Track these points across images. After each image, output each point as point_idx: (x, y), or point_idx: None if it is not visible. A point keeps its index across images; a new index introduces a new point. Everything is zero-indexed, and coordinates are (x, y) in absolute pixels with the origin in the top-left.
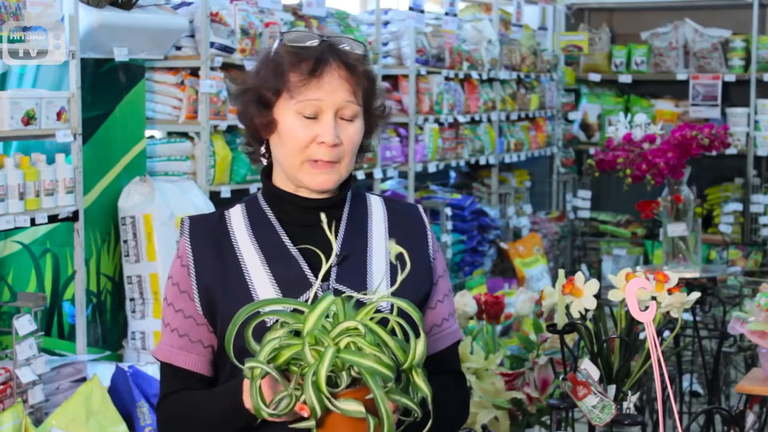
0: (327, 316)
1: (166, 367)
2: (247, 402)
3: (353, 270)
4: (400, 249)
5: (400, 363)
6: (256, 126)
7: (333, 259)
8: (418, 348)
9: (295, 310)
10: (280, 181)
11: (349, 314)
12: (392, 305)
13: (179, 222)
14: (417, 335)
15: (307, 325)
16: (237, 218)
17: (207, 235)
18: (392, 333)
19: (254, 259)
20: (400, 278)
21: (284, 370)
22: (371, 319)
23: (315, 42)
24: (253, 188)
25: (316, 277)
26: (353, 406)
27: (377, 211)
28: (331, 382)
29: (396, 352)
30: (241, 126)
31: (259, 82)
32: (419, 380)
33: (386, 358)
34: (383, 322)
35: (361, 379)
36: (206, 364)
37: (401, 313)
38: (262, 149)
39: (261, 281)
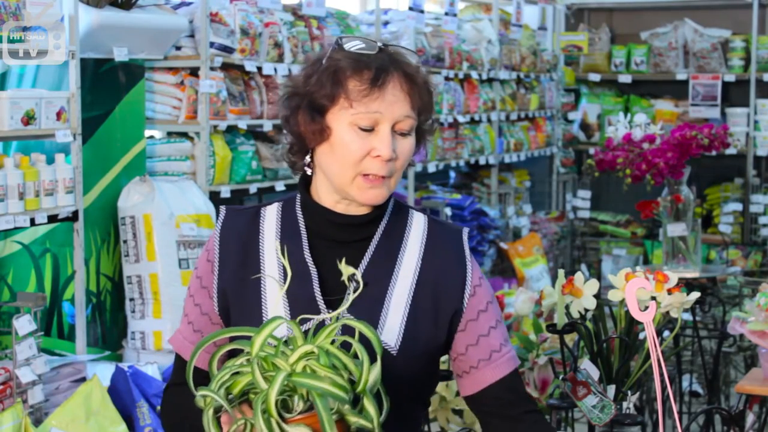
0: (287, 343)
1: (177, 357)
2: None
3: (370, 299)
4: (353, 270)
5: (357, 383)
6: (303, 134)
7: (350, 286)
8: (372, 373)
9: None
10: (320, 191)
11: (310, 338)
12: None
13: (179, 224)
14: (374, 360)
15: (254, 349)
16: (271, 219)
17: (238, 233)
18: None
19: (274, 272)
20: (351, 297)
21: (245, 399)
22: (332, 342)
23: (373, 50)
24: (253, 188)
25: (326, 302)
26: None
27: (416, 233)
28: (288, 408)
29: (355, 373)
30: (242, 126)
31: (313, 88)
32: (367, 403)
33: (340, 379)
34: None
35: None
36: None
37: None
38: (307, 158)
39: (273, 296)
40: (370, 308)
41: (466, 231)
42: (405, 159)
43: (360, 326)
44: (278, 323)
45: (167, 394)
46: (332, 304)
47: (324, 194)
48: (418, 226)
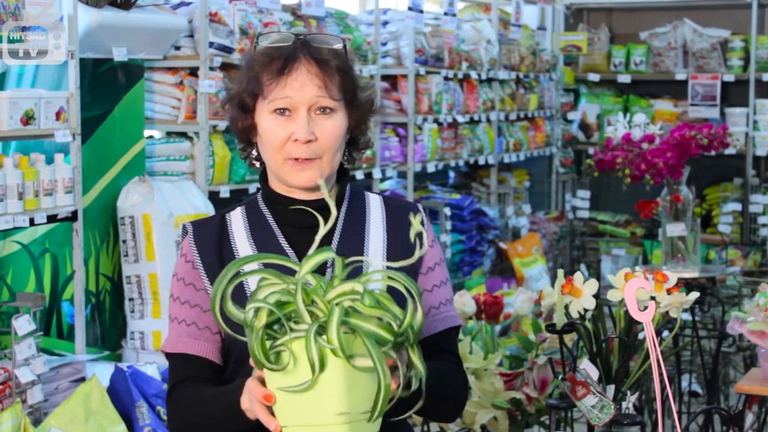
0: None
1: (174, 359)
2: (244, 403)
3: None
4: (421, 228)
5: (401, 324)
6: (241, 131)
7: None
8: (417, 314)
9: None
10: (274, 183)
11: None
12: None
13: (178, 224)
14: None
15: (301, 271)
16: (237, 221)
17: (209, 238)
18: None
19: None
20: (400, 264)
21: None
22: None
23: (288, 42)
24: (252, 188)
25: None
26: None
27: (375, 209)
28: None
29: (397, 313)
30: None
31: (240, 88)
32: (415, 358)
33: (388, 318)
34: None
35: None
36: (215, 350)
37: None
38: (254, 152)
39: (255, 280)
40: (351, 275)
41: (420, 204)
42: (330, 139)
43: (399, 276)
44: (327, 255)
45: (174, 397)
46: None
47: (277, 185)
48: (375, 205)
